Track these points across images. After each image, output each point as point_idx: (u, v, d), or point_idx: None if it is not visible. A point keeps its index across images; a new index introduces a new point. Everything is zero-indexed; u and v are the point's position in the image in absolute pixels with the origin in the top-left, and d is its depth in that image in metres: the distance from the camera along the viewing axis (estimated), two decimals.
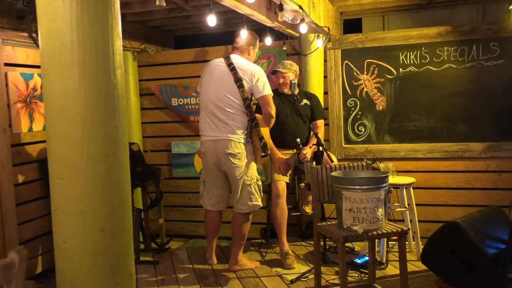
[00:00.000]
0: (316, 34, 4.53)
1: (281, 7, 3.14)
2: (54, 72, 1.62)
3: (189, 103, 5.12)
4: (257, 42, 3.85)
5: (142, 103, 5.31)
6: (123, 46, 5.26)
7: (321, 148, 3.73)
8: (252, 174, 3.65)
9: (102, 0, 1.61)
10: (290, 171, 4.02)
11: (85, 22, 1.58)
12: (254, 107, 3.72)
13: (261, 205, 3.74)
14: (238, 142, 3.56)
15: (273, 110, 3.62)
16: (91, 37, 1.60)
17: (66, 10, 1.57)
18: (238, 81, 3.56)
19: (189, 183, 5.20)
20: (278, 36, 4.62)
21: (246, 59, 3.72)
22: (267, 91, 3.61)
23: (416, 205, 4.05)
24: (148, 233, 4.55)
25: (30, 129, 4.03)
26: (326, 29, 4.41)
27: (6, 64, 3.78)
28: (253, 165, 3.67)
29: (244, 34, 3.74)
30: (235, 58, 3.69)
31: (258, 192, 3.69)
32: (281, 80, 4.11)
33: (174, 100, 5.16)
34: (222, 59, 3.71)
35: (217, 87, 3.62)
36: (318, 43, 4.56)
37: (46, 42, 1.63)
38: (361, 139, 4.76)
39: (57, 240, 1.68)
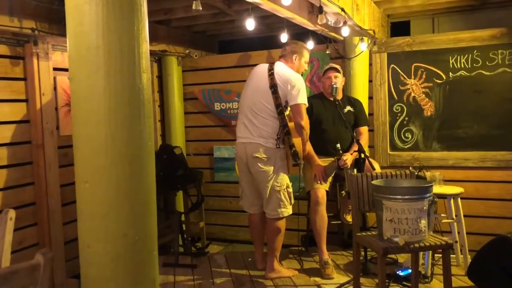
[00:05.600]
0: (361, 37, 4.40)
1: (320, 10, 3.05)
2: (80, 76, 1.63)
3: (231, 107, 5.12)
4: (304, 52, 3.75)
5: (186, 107, 5.37)
6: (167, 51, 5.29)
7: (362, 155, 3.60)
8: (282, 180, 3.58)
9: (128, 4, 1.61)
10: (330, 179, 3.91)
11: (111, 26, 1.58)
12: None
13: (291, 212, 3.66)
14: (267, 147, 3.52)
15: (303, 121, 3.50)
16: (117, 41, 1.59)
17: (92, 14, 1.57)
18: (273, 87, 3.53)
19: (230, 187, 5.19)
20: (321, 39, 4.53)
21: (290, 67, 3.67)
22: (301, 100, 3.51)
23: (467, 216, 3.84)
24: (188, 236, 4.57)
25: None
26: (371, 32, 4.27)
27: (55, 69, 3.92)
28: (284, 171, 3.60)
29: (288, 42, 3.80)
30: (278, 64, 3.67)
31: (288, 200, 3.61)
32: (333, 80, 3.97)
33: (217, 105, 5.18)
34: (266, 65, 3.71)
35: (253, 91, 3.63)
36: (362, 47, 4.42)
37: (73, 46, 1.64)
38: (408, 146, 4.57)
39: (81, 243, 1.68)
